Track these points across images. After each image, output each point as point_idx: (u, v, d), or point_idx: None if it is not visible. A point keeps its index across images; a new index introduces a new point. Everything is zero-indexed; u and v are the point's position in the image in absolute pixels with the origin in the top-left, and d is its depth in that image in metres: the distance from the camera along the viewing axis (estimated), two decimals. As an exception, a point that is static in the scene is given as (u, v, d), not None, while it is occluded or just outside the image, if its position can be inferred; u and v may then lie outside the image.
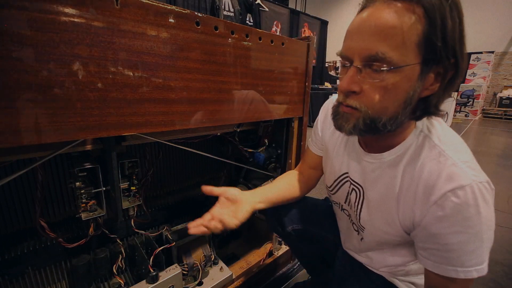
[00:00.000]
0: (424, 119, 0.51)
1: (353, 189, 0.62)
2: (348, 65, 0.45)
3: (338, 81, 0.48)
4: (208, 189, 0.63)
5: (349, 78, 0.44)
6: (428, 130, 0.50)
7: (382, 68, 0.40)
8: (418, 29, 0.39)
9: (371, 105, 0.44)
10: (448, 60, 0.40)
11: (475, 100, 6.72)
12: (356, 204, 0.62)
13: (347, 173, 0.64)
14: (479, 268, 0.44)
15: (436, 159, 0.46)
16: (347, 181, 0.64)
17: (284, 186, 0.77)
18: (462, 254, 0.44)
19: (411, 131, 0.51)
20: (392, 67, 0.40)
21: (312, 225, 0.82)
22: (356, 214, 0.62)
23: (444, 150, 0.47)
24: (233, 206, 0.62)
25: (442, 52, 0.39)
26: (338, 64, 0.50)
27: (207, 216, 0.59)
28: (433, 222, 0.45)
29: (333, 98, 0.72)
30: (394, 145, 0.52)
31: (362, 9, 0.44)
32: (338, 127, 0.50)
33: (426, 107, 0.45)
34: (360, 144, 0.60)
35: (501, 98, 6.95)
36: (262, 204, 0.68)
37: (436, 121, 0.52)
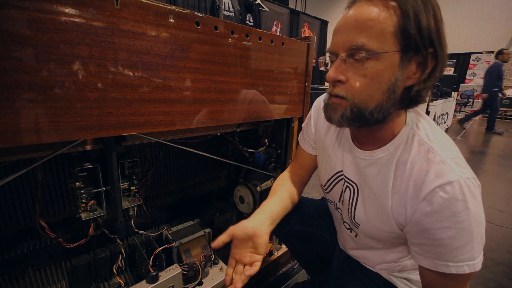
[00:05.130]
0: (413, 117, 0.53)
1: (347, 186, 0.63)
2: (335, 58, 0.49)
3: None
4: (217, 243, 0.58)
5: (334, 68, 0.48)
6: (417, 127, 0.52)
7: (361, 55, 0.44)
8: (394, 20, 0.43)
9: (356, 93, 0.47)
10: (425, 50, 0.43)
11: (475, 100, 6.72)
12: (350, 201, 0.62)
13: (341, 171, 0.64)
14: (471, 263, 0.45)
15: (425, 156, 0.48)
16: (341, 179, 0.64)
17: (286, 201, 0.72)
18: (452, 249, 0.45)
19: (401, 126, 0.53)
20: (371, 53, 0.43)
21: (309, 225, 0.82)
22: (350, 212, 0.62)
23: (432, 147, 0.49)
24: (250, 242, 0.58)
25: (418, 41, 0.43)
26: (328, 61, 0.53)
27: (232, 263, 0.58)
28: (422, 217, 0.47)
29: (325, 96, 0.72)
30: (386, 140, 0.53)
31: (346, 10, 0.49)
32: (328, 118, 0.52)
33: (411, 96, 0.48)
34: (353, 141, 0.60)
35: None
36: (272, 226, 0.64)
37: (424, 119, 0.54)
